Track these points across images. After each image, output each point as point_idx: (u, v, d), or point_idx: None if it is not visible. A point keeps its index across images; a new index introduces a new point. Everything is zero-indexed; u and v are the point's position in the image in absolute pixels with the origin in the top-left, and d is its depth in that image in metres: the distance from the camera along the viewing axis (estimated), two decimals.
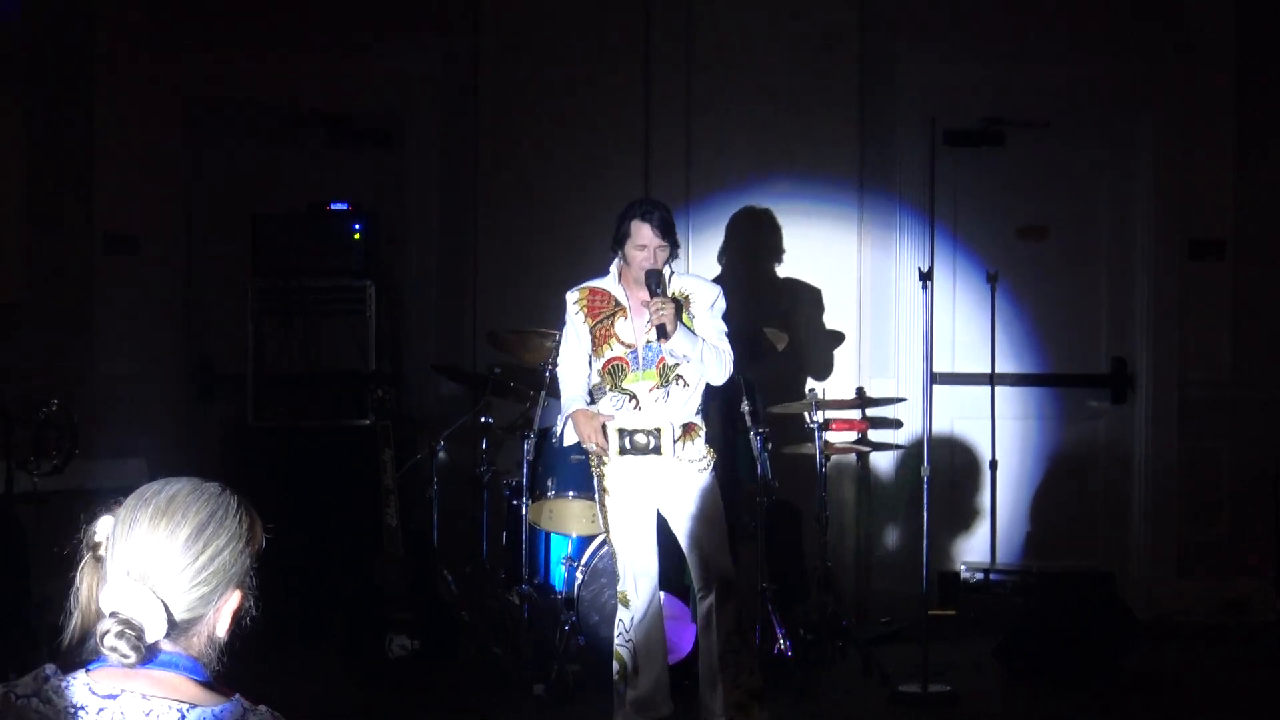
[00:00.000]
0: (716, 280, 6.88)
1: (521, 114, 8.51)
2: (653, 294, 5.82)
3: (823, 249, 8.40)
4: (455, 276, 8.66)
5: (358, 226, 8.20)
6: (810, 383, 8.09)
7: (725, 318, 6.04)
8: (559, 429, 6.37)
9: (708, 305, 5.99)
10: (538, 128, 8.50)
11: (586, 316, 6.02)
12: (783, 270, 8.35)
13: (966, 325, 8.65)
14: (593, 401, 6.03)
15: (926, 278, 6.69)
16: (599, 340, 5.99)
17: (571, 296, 6.10)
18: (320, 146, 8.79)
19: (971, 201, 8.76)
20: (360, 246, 8.19)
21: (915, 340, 8.10)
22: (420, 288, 8.75)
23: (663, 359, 5.89)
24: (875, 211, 8.55)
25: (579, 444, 6.08)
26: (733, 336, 6.04)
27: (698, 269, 8.11)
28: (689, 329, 5.88)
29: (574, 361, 6.07)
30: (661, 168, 8.44)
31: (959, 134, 8.72)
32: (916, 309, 7.83)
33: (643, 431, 5.89)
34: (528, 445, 6.93)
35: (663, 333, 5.75)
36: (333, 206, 8.28)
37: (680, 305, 5.88)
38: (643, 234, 5.86)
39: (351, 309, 8.11)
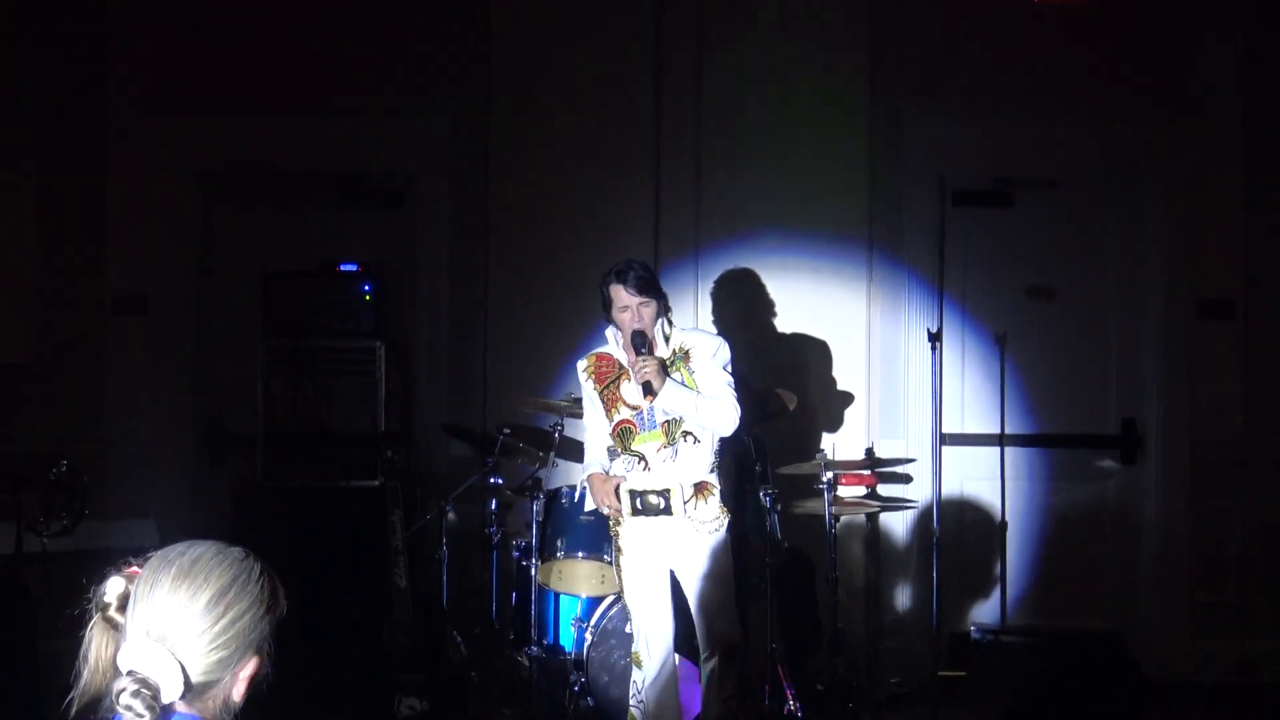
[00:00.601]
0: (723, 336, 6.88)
1: (531, 172, 8.52)
2: (638, 353, 5.84)
3: (832, 307, 8.39)
4: (465, 337, 8.65)
5: (368, 287, 8.22)
6: (823, 439, 8.08)
7: (731, 368, 6.04)
8: (576, 493, 6.39)
9: (709, 356, 5.98)
10: (547, 186, 8.51)
11: (595, 383, 6.05)
12: (791, 328, 8.35)
13: (975, 385, 8.63)
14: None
15: (935, 338, 6.70)
16: (608, 404, 6.01)
17: (581, 365, 6.14)
18: (331, 207, 8.82)
19: (980, 262, 8.77)
20: (370, 307, 8.21)
21: (924, 400, 8.05)
22: (430, 348, 8.74)
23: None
24: (884, 270, 8.54)
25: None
26: (740, 386, 6.03)
27: (706, 322, 8.13)
28: (684, 384, 5.88)
29: (594, 427, 6.10)
30: (671, 224, 8.45)
31: (967, 194, 8.76)
32: (925, 369, 7.81)
33: (653, 492, 5.89)
34: (537, 506, 6.92)
35: (649, 390, 5.76)
36: (343, 268, 8.30)
37: (664, 363, 5.87)
38: (621, 296, 5.89)
39: (361, 369, 8.11)
